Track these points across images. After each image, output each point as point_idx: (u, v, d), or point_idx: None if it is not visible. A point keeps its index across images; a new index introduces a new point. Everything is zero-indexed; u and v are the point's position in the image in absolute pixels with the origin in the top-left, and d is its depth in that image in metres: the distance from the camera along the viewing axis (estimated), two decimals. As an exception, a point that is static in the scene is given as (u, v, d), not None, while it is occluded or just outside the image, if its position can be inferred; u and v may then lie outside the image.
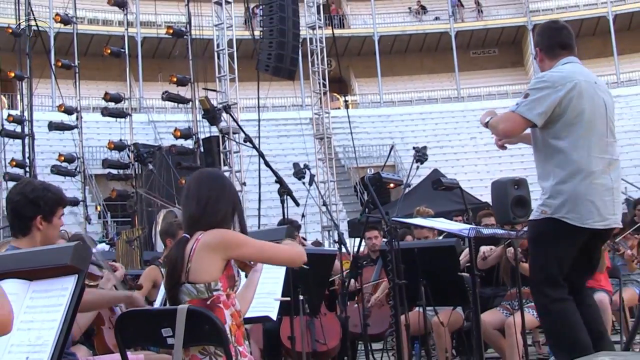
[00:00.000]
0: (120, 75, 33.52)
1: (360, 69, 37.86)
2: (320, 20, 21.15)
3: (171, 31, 16.15)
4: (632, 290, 7.48)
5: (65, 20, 17.75)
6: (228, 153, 16.76)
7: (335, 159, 23.56)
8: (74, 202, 17.10)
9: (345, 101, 30.78)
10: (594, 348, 4.09)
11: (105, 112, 16.88)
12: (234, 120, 4.05)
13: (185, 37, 16.26)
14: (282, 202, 4.43)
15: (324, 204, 9.29)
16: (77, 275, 2.89)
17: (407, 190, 9.49)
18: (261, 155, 4.21)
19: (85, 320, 3.95)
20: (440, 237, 7.13)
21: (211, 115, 3.92)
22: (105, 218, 23.75)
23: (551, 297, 4.25)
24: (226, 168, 16.49)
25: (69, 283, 2.91)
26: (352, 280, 6.82)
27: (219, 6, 17.15)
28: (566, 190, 4.20)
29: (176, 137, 16.18)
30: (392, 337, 6.28)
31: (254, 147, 4.16)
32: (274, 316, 4.05)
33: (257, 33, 18.24)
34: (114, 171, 17.09)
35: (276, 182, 4.30)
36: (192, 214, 3.32)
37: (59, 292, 2.92)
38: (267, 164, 4.20)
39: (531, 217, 4.45)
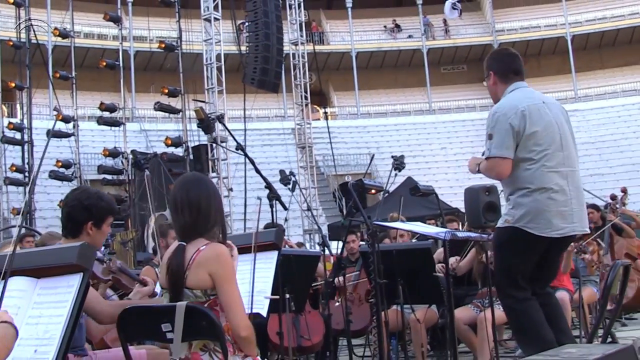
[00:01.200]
0: (114, 86, 33.36)
1: (338, 82, 37.94)
2: (302, 36, 21.16)
3: (163, 45, 16.11)
4: (590, 290, 7.58)
5: (64, 35, 17.69)
6: (216, 160, 16.73)
7: (315, 167, 23.58)
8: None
9: (325, 113, 30.79)
10: (557, 343, 4.16)
11: (101, 120, 16.80)
12: (226, 129, 4.03)
13: (176, 51, 16.21)
14: (271, 206, 4.43)
15: (309, 209, 9.29)
16: (82, 274, 2.88)
17: (385, 195, 9.56)
18: (252, 162, 4.20)
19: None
20: (414, 240, 7.17)
21: (205, 124, 3.90)
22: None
23: (515, 297, 4.34)
24: (214, 174, 16.46)
25: (74, 281, 2.90)
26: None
27: (208, 22, 17.12)
28: (526, 203, 4.30)
29: (167, 145, 16.11)
30: (372, 333, 6.28)
31: (245, 154, 4.16)
32: (264, 313, 4.04)
33: (243, 48, 18.22)
34: (109, 177, 17.00)
35: (265, 187, 4.29)
36: (185, 223, 3.21)
37: (65, 289, 2.91)
38: (257, 170, 4.20)
39: (497, 225, 4.52)
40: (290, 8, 20.86)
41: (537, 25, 37.97)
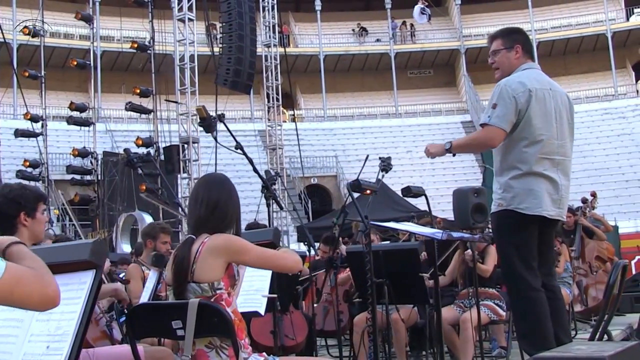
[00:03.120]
0: (80, 86, 33.20)
1: (306, 85, 37.98)
2: (274, 38, 21.19)
3: (136, 45, 16.00)
4: (564, 291, 7.71)
5: (34, 33, 17.45)
6: (187, 161, 16.66)
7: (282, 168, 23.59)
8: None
9: (292, 115, 30.87)
10: (555, 338, 4.25)
11: (71, 120, 16.62)
12: (227, 129, 4.05)
13: (148, 51, 16.11)
14: (268, 205, 4.46)
15: (294, 209, 9.30)
16: (94, 270, 2.89)
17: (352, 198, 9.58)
18: (250, 162, 4.23)
19: None
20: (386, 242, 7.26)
21: (207, 123, 3.91)
22: (64, 221, 23.35)
23: (529, 284, 4.37)
24: (185, 175, 16.42)
25: (87, 277, 2.90)
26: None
27: (181, 23, 17.05)
28: (517, 185, 4.40)
29: (138, 146, 16.00)
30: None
31: (244, 154, 4.18)
32: (262, 311, 4.07)
33: (216, 49, 18.17)
34: (77, 177, 16.83)
35: (262, 187, 4.33)
36: (200, 216, 3.26)
37: (77, 285, 2.91)
38: (255, 170, 4.23)
39: (491, 211, 4.59)
40: (264, 10, 20.86)
41: (504, 32, 38.36)
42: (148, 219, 14.37)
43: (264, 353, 3.21)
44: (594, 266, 10.19)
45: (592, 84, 37.03)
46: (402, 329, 6.21)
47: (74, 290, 2.92)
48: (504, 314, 6.21)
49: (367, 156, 6.26)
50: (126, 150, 9.08)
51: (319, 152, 32.87)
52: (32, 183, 18.66)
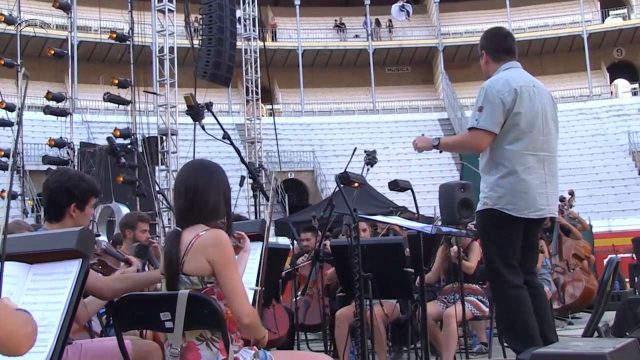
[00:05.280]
0: (56, 76, 32.80)
1: (283, 79, 37.88)
2: (255, 32, 21.06)
3: (114, 36, 15.76)
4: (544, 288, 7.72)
5: (10, 21, 17.14)
6: (166, 153, 16.49)
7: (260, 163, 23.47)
8: (13, 196, 16.53)
9: (269, 109, 30.74)
10: (540, 335, 4.23)
11: (47, 110, 16.33)
12: (215, 118, 3.97)
13: (127, 42, 15.89)
14: (254, 196, 4.39)
15: (279, 202, 9.21)
16: (81, 260, 2.79)
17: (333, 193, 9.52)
18: (238, 152, 4.16)
19: (95, 306, 3.80)
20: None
21: (195, 111, 3.82)
22: (39, 212, 23.08)
23: (510, 282, 4.37)
24: (164, 167, 16.26)
25: (73, 267, 2.81)
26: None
27: (161, 14, 16.86)
28: (504, 185, 4.38)
29: (116, 137, 15.72)
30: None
31: (232, 144, 4.10)
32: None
33: (195, 41, 18.00)
34: (54, 167, 16.55)
35: (249, 178, 4.25)
36: (181, 207, 3.12)
37: (62, 275, 2.82)
38: (242, 161, 4.16)
39: (477, 209, 4.57)
40: (244, 3, 20.71)
41: (482, 30, 37.72)
42: (125, 210, 14.20)
43: (255, 347, 3.13)
44: (572, 264, 10.23)
45: (567, 85, 37.34)
46: (381, 324, 6.16)
47: (59, 280, 2.83)
48: (486, 309, 6.19)
49: (355, 149, 6.20)
50: (109, 139, 8.92)
51: (297, 147, 32.84)
52: (7, 173, 18.44)
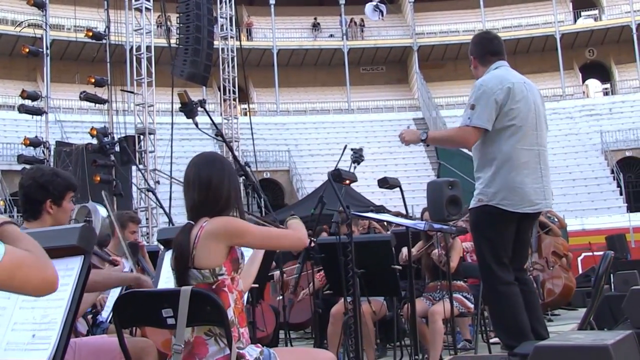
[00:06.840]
0: (28, 75, 32.47)
1: (258, 79, 37.80)
2: (232, 30, 21.02)
3: (90, 34, 15.65)
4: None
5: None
6: (143, 152, 16.41)
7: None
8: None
9: (245, 109, 30.65)
10: (532, 330, 4.28)
11: (22, 109, 16.17)
12: (208, 115, 3.96)
13: (103, 40, 15.79)
14: (247, 194, 4.39)
15: (265, 203, 9.17)
16: (83, 256, 2.78)
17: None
18: (231, 150, 4.15)
19: (88, 300, 3.77)
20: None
21: (188, 109, 3.81)
22: (12, 212, 22.85)
23: (500, 279, 4.40)
24: (141, 166, 16.16)
25: (74, 263, 2.80)
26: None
27: (138, 12, 16.77)
28: (500, 180, 4.42)
29: (92, 136, 15.63)
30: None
31: (225, 141, 4.10)
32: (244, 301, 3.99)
33: (172, 40, 17.92)
34: (29, 167, 16.41)
35: (241, 175, 4.24)
36: (195, 201, 3.11)
37: (64, 272, 2.80)
38: (234, 157, 4.16)
39: (470, 206, 4.60)
40: (220, 2, 20.66)
41: (456, 30, 38.86)
42: (102, 210, 14.06)
43: (259, 344, 3.14)
44: (551, 261, 10.33)
45: (540, 84, 37.37)
46: (369, 321, 6.19)
47: (61, 277, 2.79)
48: (471, 306, 6.24)
49: (345, 146, 6.21)
50: (98, 136, 8.83)
51: (272, 147, 32.81)
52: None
